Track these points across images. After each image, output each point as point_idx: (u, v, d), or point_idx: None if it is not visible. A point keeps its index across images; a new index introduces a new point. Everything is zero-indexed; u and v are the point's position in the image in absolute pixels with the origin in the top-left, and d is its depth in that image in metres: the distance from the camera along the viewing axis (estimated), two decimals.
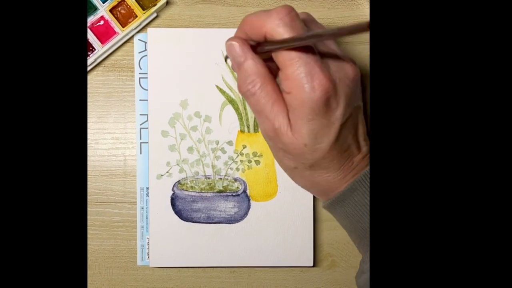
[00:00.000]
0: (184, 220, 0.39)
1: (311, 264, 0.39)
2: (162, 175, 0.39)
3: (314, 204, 0.39)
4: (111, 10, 0.39)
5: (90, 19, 0.39)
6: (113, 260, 0.40)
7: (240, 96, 0.39)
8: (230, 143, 0.39)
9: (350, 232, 0.35)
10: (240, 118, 0.39)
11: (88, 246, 0.40)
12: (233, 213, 0.39)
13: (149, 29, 0.38)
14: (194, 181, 0.39)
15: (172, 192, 0.39)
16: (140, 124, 0.39)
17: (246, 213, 0.39)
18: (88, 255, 0.40)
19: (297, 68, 0.29)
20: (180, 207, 0.39)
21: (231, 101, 0.39)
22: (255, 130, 0.39)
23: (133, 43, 0.40)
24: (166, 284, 0.40)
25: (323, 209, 0.35)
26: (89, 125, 0.40)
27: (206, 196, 0.39)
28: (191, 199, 0.39)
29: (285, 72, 0.30)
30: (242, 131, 0.39)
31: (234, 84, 0.39)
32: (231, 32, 0.38)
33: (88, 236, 0.40)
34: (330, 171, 0.32)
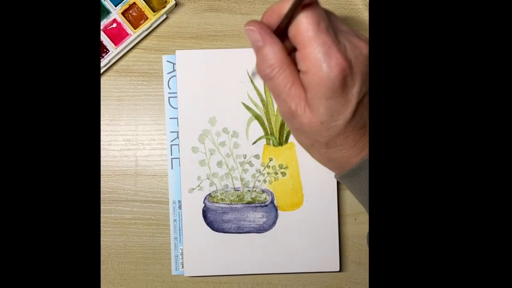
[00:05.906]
0: (216, 231, 0.41)
1: (338, 269, 0.41)
2: (193, 189, 0.41)
3: (339, 211, 0.41)
4: (123, 13, 0.40)
5: (104, 22, 0.40)
6: (124, 256, 0.42)
7: (265, 112, 0.41)
8: (257, 156, 0.41)
9: (363, 205, 0.36)
10: (266, 133, 0.41)
11: (101, 242, 0.42)
12: (261, 223, 0.41)
13: (177, 51, 0.40)
14: (224, 194, 0.41)
15: (204, 204, 0.41)
16: (171, 141, 0.41)
17: (274, 223, 0.41)
18: (101, 251, 0.42)
19: (314, 48, 0.30)
20: (212, 219, 0.41)
21: (257, 117, 0.41)
22: (280, 144, 0.41)
23: (143, 49, 0.42)
24: None
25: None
26: (102, 127, 0.42)
27: (236, 207, 0.41)
28: (222, 211, 0.41)
29: (303, 52, 0.30)
30: (268, 145, 0.41)
31: (259, 101, 0.41)
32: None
33: (101, 232, 0.42)
34: (345, 147, 0.33)
